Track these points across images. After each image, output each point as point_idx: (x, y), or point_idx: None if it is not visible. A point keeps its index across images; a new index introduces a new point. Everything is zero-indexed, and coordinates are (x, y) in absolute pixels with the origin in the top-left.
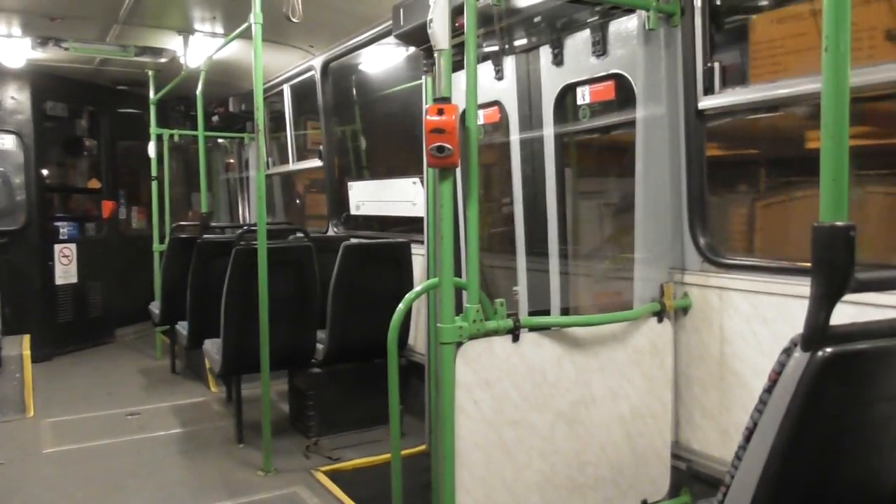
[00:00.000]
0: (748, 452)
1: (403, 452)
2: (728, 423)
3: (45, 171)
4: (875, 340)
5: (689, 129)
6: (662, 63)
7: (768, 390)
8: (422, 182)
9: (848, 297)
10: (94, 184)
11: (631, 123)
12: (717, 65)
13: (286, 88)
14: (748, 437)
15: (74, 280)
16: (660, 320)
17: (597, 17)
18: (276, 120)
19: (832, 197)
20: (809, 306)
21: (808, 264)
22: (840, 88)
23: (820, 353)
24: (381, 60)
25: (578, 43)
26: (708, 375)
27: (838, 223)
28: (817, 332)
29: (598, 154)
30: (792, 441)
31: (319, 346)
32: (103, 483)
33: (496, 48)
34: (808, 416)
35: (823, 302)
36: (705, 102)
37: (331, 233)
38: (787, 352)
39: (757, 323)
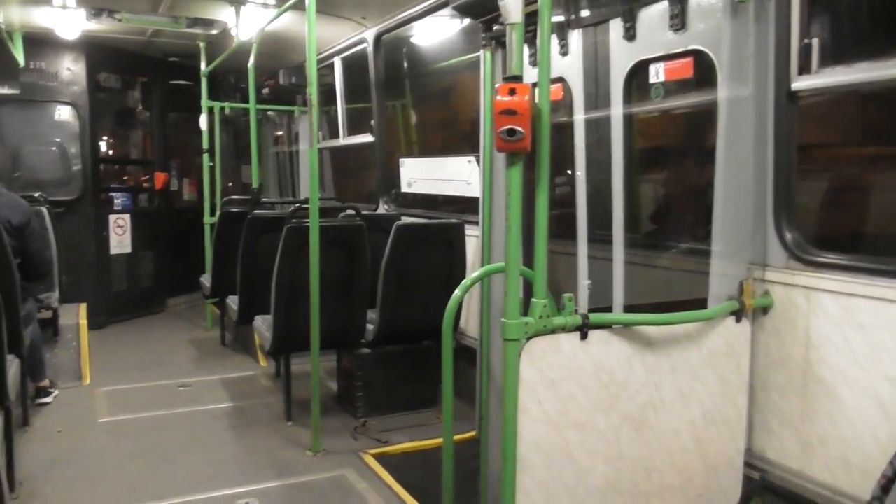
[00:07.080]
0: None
1: (454, 438)
2: (811, 434)
3: (101, 143)
4: None
5: (779, 111)
6: (751, 39)
7: None
8: (477, 161)
9: None
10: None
11: (709, 104)
12: (815, 41)
13: (337, 61)
14: (886, 487)
15: (128, 250)
16: (738, 320)
17: None
18: (325, 93)
19: None
20: None
21: None
22: None
23: None
24: (435, 33)
25: (654, 16)
26: (789, 381)
27: None
28: None
29: (672, 137)
30: None
31: (369, 327)
32: (155, 455)
33: (562, 21)
34: None
35: None
36: (800, 83)
37: (381, 210)
38: None
39: (849, 328)
